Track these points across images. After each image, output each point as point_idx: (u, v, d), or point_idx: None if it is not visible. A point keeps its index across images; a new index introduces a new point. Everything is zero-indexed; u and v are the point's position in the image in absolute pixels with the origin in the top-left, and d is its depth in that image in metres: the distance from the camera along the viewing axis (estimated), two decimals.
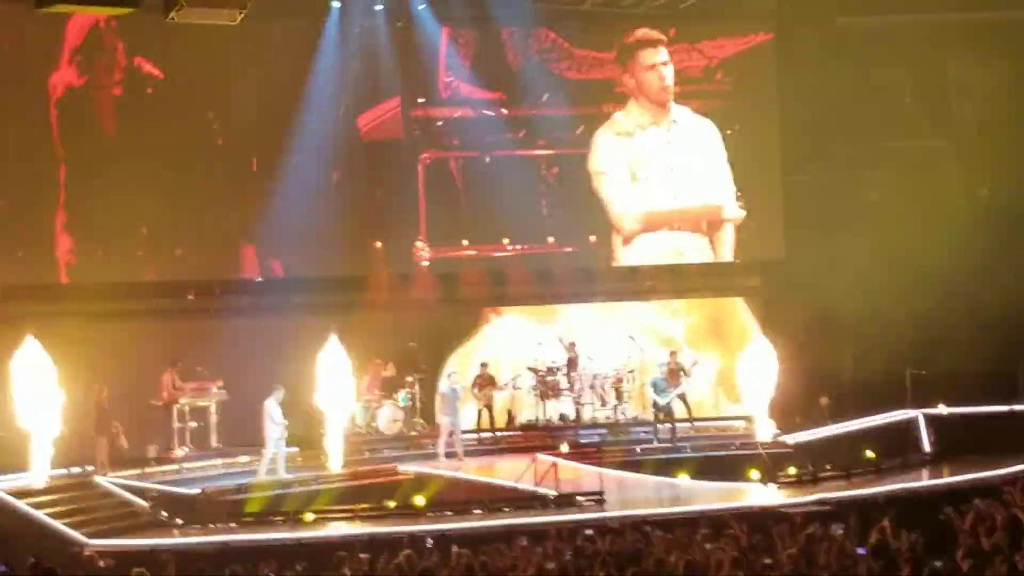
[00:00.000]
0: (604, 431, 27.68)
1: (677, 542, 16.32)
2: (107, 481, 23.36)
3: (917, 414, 26.69)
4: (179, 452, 25.93)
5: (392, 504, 22.78)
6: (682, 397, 27.44)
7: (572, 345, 28.75)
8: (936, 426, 26.46)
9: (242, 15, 21.73)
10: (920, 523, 16.02)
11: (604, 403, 28.46)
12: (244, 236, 28.60)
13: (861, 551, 14.89)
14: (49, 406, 22.35)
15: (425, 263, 29.53)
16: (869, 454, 25.56)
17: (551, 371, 28.43)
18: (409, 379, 28.28)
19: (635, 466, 25.27)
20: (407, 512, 22.37)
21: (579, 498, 22.54)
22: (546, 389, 28.40)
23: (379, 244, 29.30)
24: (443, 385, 26.53)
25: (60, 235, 27.09)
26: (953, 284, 27.83)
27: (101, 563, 15.84)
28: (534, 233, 30.03)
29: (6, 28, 26.17)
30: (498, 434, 28.33)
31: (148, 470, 24.93)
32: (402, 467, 25.43)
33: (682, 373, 27.55)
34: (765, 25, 30.11)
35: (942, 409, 26.84)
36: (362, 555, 15.98)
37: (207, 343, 27.22)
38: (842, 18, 29.53)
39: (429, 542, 17.71)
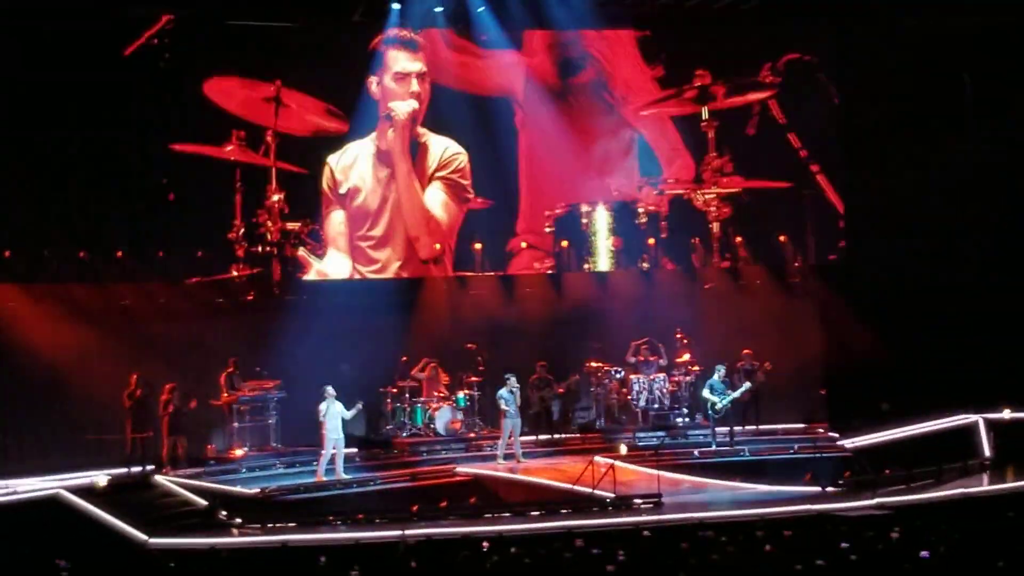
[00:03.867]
0: (663, 434, 27.64)
1: (734, 545, 16.33)
2: (168, 480, 23.54)
3: (977, 418, 26.48)
4: (238, 452, 26.12)
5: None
6: (751, 397, 27.39)
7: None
8: (996, 431, 26.23)
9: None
10: (981, 528, 15.97)
11: (661, 405, 28.56)
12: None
13: (924, 555, 14.85)
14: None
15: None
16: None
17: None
18: (468, 380, 28.39)
19: (693, 469, 25.21)
20: (465, 513, 22.40)
21: (636, 501, 22.53)
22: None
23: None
24: (503, 390, 26.43)
25: None
26: (1014, 286, 27.63)
27: (163, 562, 15.97)
28: None
29: None
30: (556, 436, 28.34)
31: (208, 470, 25.12)
32: (460, 468, 25.50)
33: (748, 375, 27.49)
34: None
35: (1005, 414, 26.62)
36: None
37: (266, 342, 27.41)
38: (906, 19, 29.28)
39: (484, 544, 17.73)
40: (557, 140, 29.45)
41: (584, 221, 29.48)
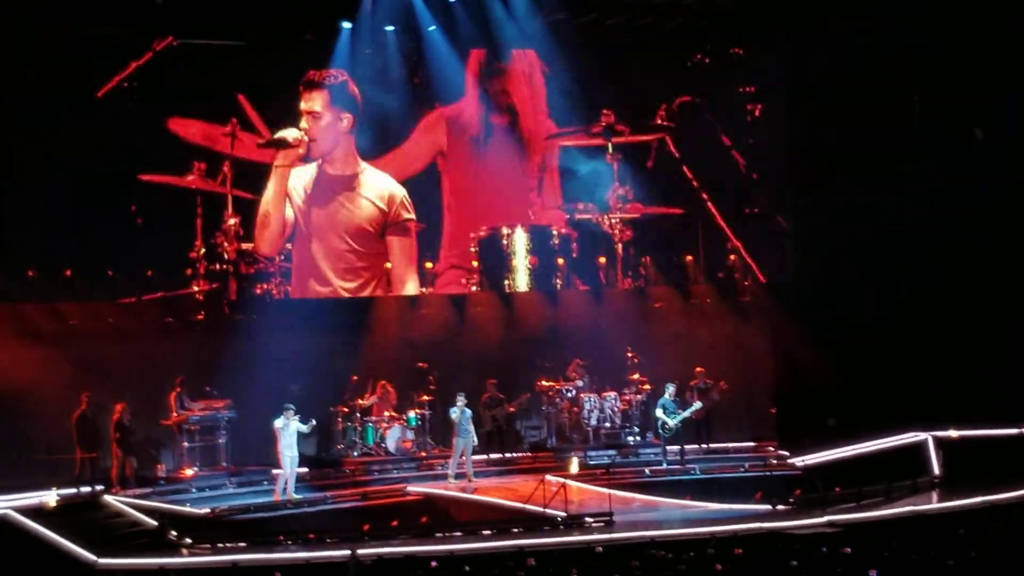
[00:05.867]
0: (613, 452, 27.70)
1: (685, 563, 16.38)
2: (117, 500, 23.40)
3: (926, 437, 26.63)
4: (188, 471, 26.00)
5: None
6: (702, 415, 27.50)
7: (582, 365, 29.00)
8: (945, 448, 26.38)
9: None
10: (930, 546, 16.07)
11: (612, 424, 28.59)
12: None
13: (873, 573, 14.94)
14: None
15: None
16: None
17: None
18: (420, 400, 28.36)
19: (644, 487, 25.25)
20: (416, 532, 22.37)
21: (588, 519, 22.54)
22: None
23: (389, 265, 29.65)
24: (453, 410, 26.37)
25: None
26: (962, 305, 27.79)
27: None
28: None
29: None
30: (507, 455, 28.34)
31: (157, 489, 24.98)
32: (411, 488, 25.46)
33: (702, 393, 27.61)
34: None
35: (952, 433, 26.80)
36: None
37: (216, 362, 27.30)
38: (852, 40, 29.44)
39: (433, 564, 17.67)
40: (477, 176, 30.56)
41: (504, 242, 29.57)
